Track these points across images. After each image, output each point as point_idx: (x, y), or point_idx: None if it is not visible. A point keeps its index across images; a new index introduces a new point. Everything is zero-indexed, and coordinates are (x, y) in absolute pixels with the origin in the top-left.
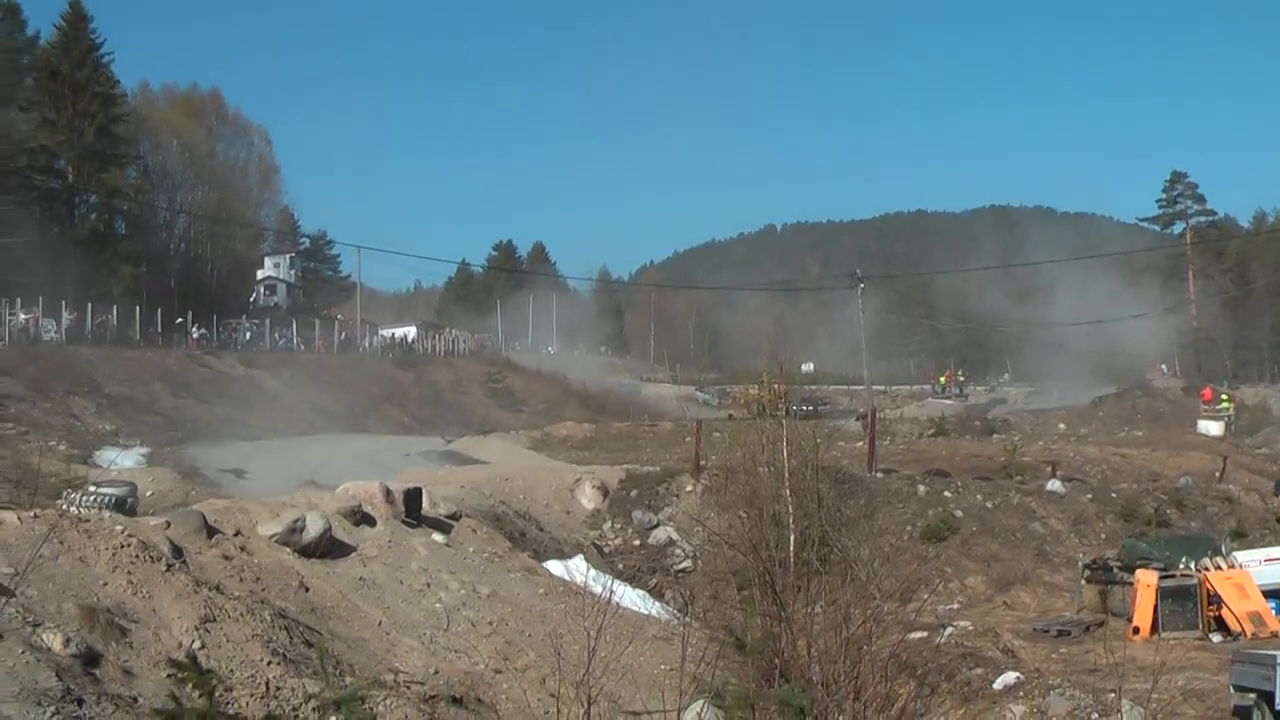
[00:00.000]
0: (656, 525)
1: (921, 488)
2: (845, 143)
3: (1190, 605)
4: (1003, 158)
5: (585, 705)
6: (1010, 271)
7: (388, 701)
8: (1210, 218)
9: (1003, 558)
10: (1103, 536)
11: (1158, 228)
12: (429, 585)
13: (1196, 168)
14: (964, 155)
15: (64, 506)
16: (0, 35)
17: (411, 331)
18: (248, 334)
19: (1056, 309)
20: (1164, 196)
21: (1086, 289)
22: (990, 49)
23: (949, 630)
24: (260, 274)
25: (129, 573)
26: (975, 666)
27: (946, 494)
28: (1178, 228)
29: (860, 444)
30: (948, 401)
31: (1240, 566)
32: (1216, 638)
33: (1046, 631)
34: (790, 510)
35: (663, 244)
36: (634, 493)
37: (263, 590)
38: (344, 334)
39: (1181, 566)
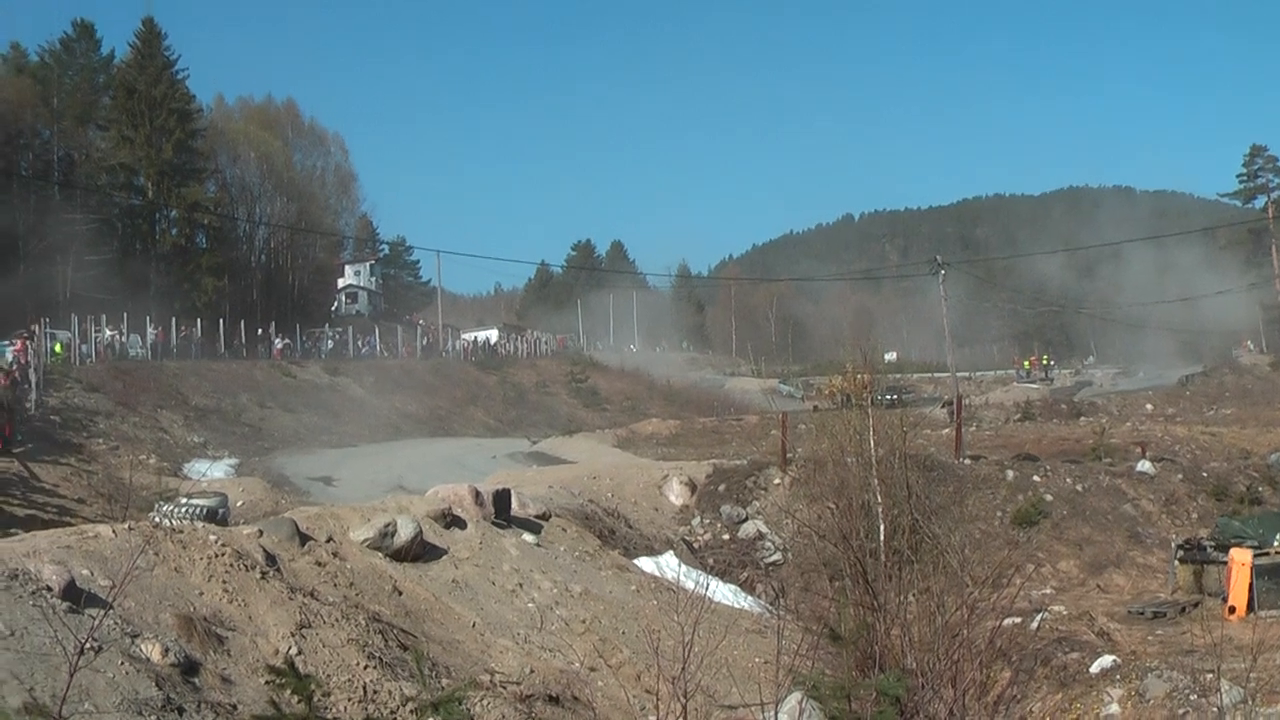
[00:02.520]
0: (745, 519)
1: (1010, 473)
2: (921, 130)
3: None
4: (1079, 138)
5: (682, 700)
6: (1091, 252)
7: (484, 702)
8: None
9: (1094, 540)
10: (1195, 516)
11: (1239, 203)
12: (521, 585)
13: (1276, 141)
14: (1040, 138)
15: (157, 519)
16: (77, 54)
17: (493, 334)
18: (331, 342)
19: (1139, 289)
20: (1244, 171)
21: (1169, 267)
22: (1063, 29)
23: (1043, 615)
24: (341, 282)
25: (224, 581)
26: (1071, 651)
27: (1035, 478)
28: (1259, 202)
29: (947, 431)
30: (1033, 385)
31: None
32: None
33: (1141, 614)
34: (879, 499)
35: (741, 238)
36: (721, 487)
37: (356, 595)
38: (426, 339)
39: (1276, 544)
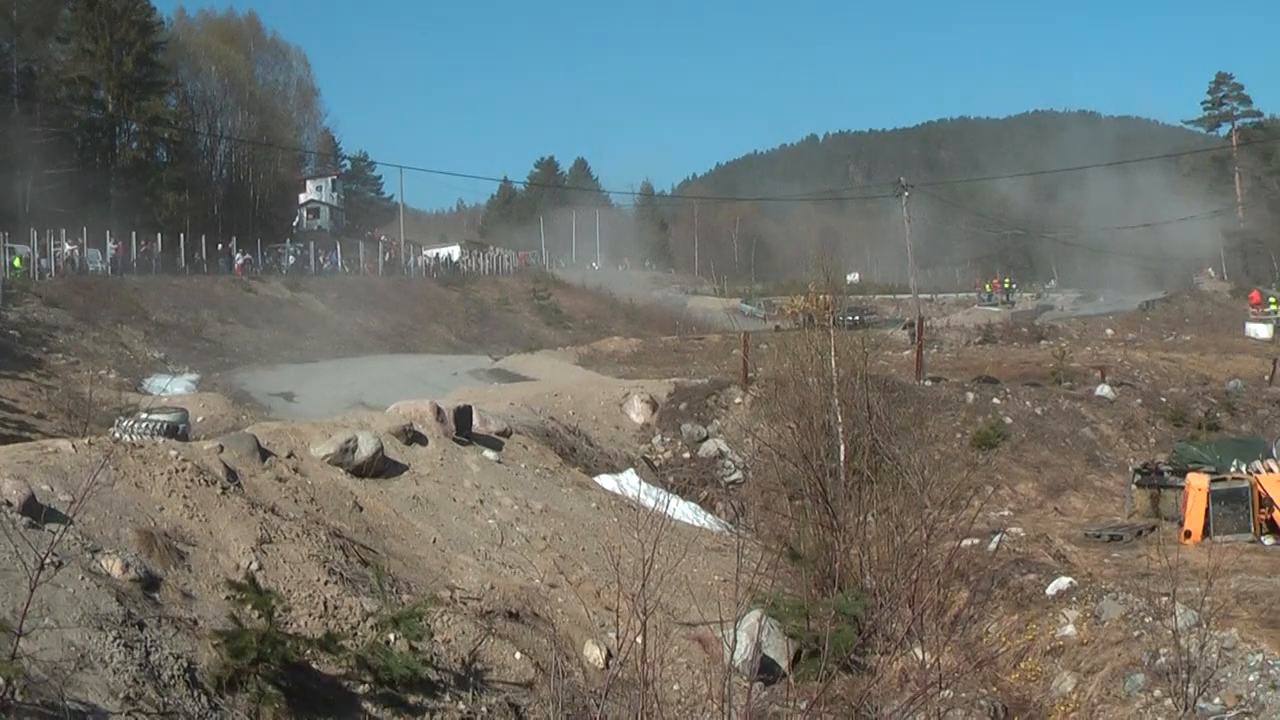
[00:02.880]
0: (706, 438)
1: (970, 395)
2: (886, 51)
3: (1242, 509)
4: (1045, 62)
5: (642, 617)
6: (1055, 177)
7: (444, 618)
8: (1257, 119)
9: (1053, 464)
10: (1153, 441)
11: (1203, 130)
12: (482, 502)
13: (1241, 69)
14: (1005, 61)
15: (117, 434)
16: None
17: (455, 251)
18: (292, 258)
19: (1102, 214)
20: (1209, 98)
21: (1132, 193)
22: None
23: (1001, 537)
24: (303, 198)
25: (185, 497)
26: (1028, 572)
27: (995, 401)
28: (1223, 129)
29: (908, 353)
30: (995, 309)
31: None
32: (1269, 540)
33: (1098, 536)
34: (840, 420)
35: (705, 157)
36: (683, 406)
37: (318, 511)
38: (388, 255)
39: (1233, 470)
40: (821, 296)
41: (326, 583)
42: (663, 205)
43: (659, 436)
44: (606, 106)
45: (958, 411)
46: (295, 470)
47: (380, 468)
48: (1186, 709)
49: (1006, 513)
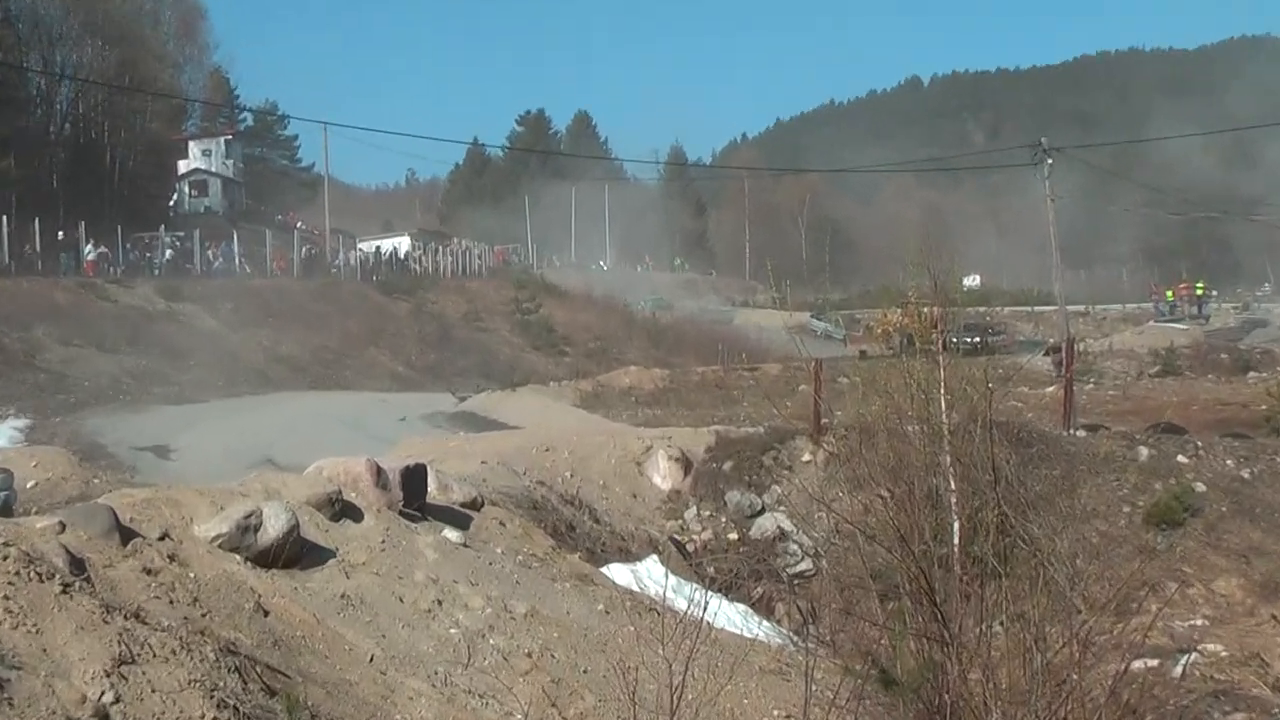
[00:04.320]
0: (761, 511)
1: (1144, 450)
2: None
3: None
4: None
5: None
6: (1266, 134)
7: None
8: None
9: (1268, 551)
10: None
11: None
12: (440, 603)
13: None
14: None
15: None
16: None
17: (405, 243)
18: (169, 252)
19: None
20: None
21: None
22: None
23: (1192, 657)
24: (184, 166)
25: (6, 598)
26: (1233, 710)
27: (1181, 459)
28: None
29: (1052, 389)
30: (1180, 326)
31: None
32: None
33: None
34: (952, 486)
35: (758, 112)
36: (727, 466)
37: (203, 616)
38: (308, 249)
39: None
40: (926, 309)
41: None
42: (700, 179)
43: (694, 509)
44: (618, 44)
45: (1125, 474)
46: (171, 558)
47: (295, 554)
48: None
49: (1199, 621)
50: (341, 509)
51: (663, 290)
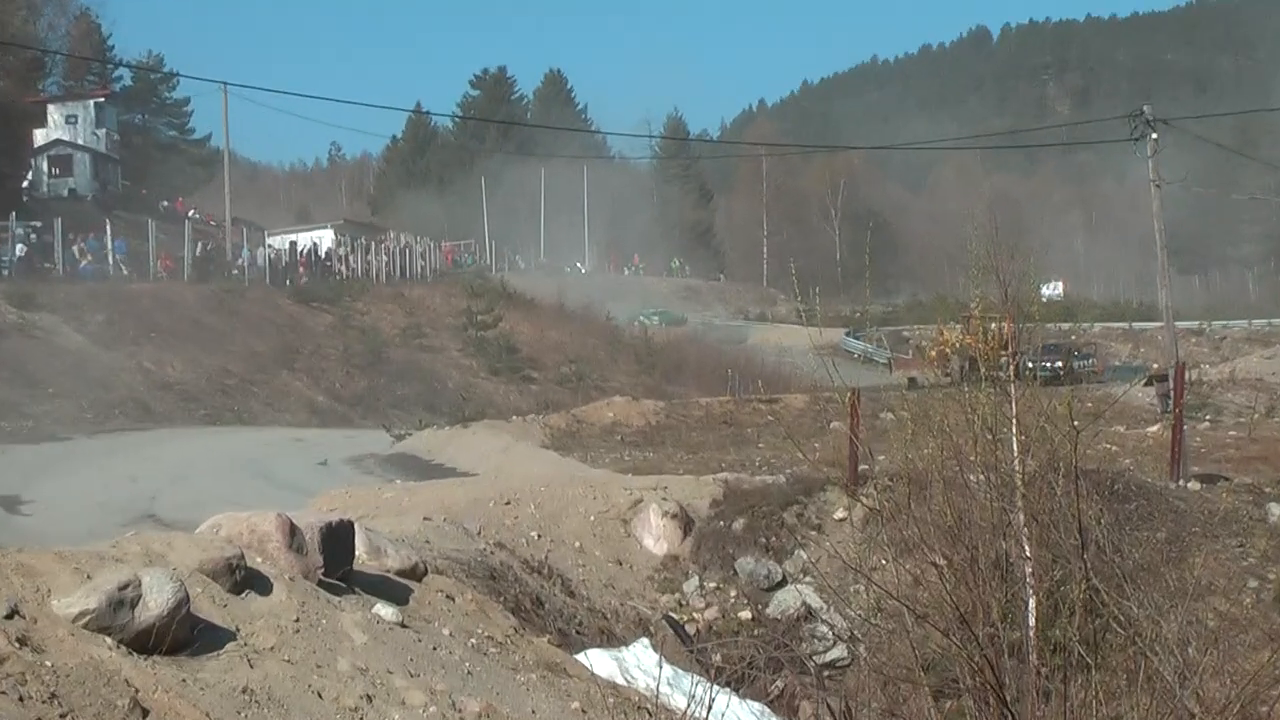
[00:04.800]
0: (781, 583)
1: (1276, 509)
2: None
3: None
4: None
5: None
6: None
7: None
8: None
9: None
10: None
11: None
12: (370, 699)
13: None
14: None
15: None
16: None
17: (327, 238)
18: (20, 247)
19: None
20: None
21: None
22: None
23: None
24: (41, 137)
25: None
26: None
27: None
28: None
29: (1155, 429)
30: None
31: None
32: None
33: None
34: (1028, 552)
35: (779, 72)
36: (738, 524)
37: (62, 718)
38: (203, 244)
39: None
40: (993, 326)
41: None
42: (705, 158)
43: (695, 580)
44: None
45: (1250, 539)
46: (21, 642)
47: (183, 637)
48: None
49: None
50: (244, 578)
51: (659, 300)
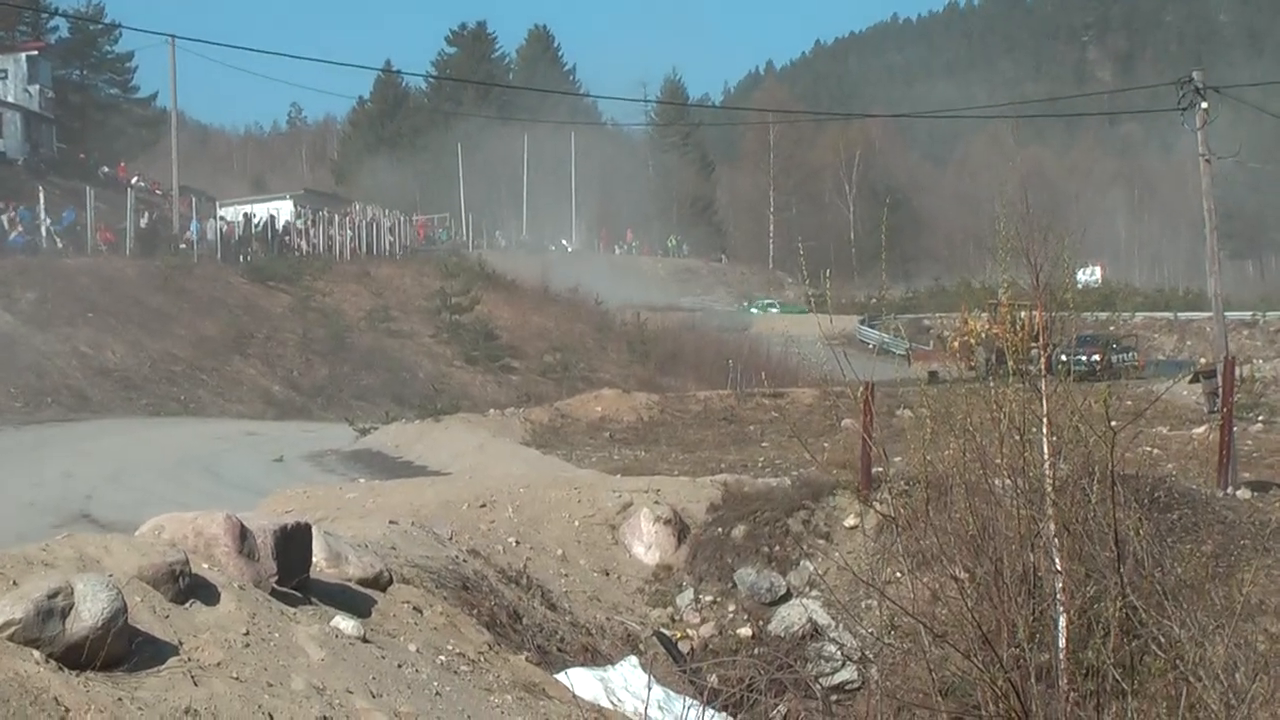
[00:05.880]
0: (785, 596)
1: None
2: None
3: None
4: None
5: None
6: None
7: None
8: None
9: None
10: None
11: None
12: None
13: None
14: None
15: None
16: None
17: (285, 210)
18: None
19: None
20: None
21: None
22: None
23: None
24: None
25: None
26: None
27: None
28: None
29: (1202, 430)
30: None
31: None
32: None
33: None
34: (1059, 565)
35: (788, 31)
36: (738, 531)
37: None
38: (148, 215)
39: None
40: (1023, 314)
41: None
42: (706, 125)
43: (690, 592)
44: None
45: None
46: None
47: (120, 650)
48: None
49: None
50: (189, 586)
51: (655, 283)
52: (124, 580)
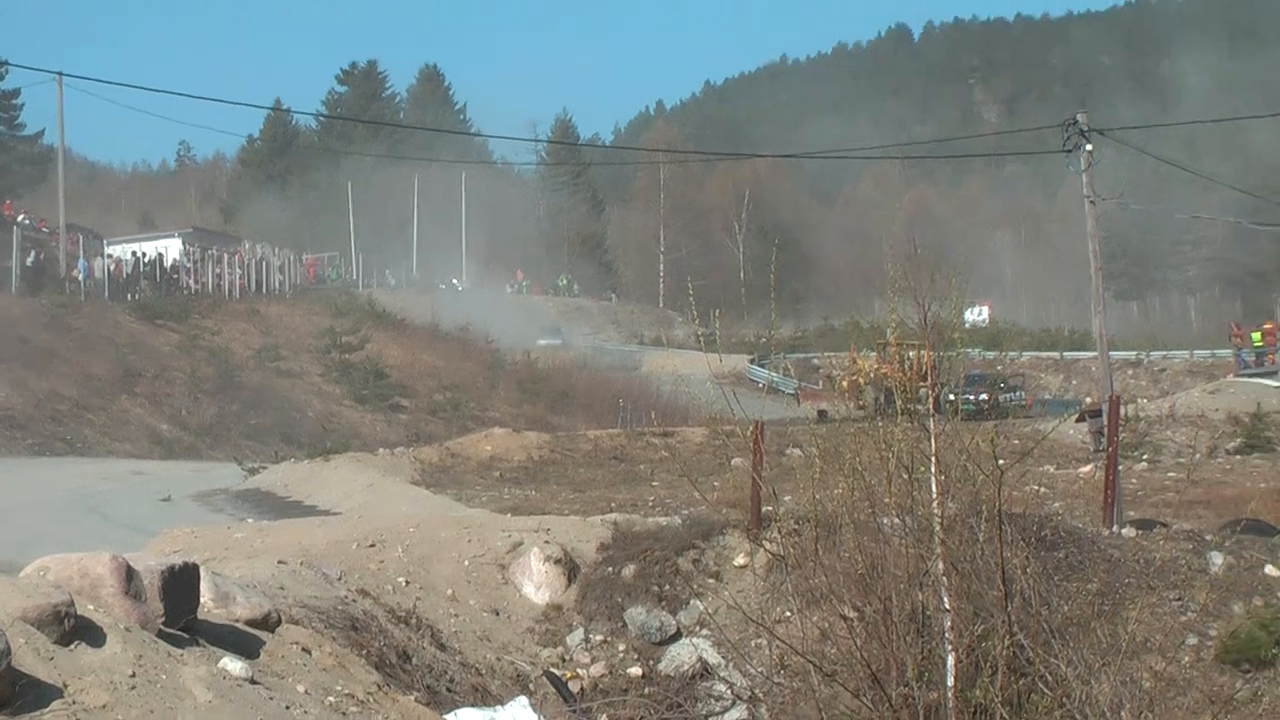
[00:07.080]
0: (675, 636)
1: (1218, 557)
2: None
3: None
4: None
5: None
6: None
7: None
8: None
9: None
10: None
11: None
12: None
13: None
14: None
15: None
16: None
17: (173, 248)
18: None
19: None
20: None
21: None
22: None
23: None
24: None
25: None
26: None
27: (1271, 570)
28: None
29: (1088, 469)
30: (1270, 382)
31: None
32: None
33: None
34: (947, 604)
35: (679, 71)
36: (628, 571)
37: None
38: (34, 253)
39: None
40: (911, 354)
41: None
42: (596, 165)
43: (580, 632)
44: None
45: (1190, 591)
46: None
47: (3, 693)
48: None
49: None
50: (74, 628)
51: (537, 326)
52: (7, 622)
